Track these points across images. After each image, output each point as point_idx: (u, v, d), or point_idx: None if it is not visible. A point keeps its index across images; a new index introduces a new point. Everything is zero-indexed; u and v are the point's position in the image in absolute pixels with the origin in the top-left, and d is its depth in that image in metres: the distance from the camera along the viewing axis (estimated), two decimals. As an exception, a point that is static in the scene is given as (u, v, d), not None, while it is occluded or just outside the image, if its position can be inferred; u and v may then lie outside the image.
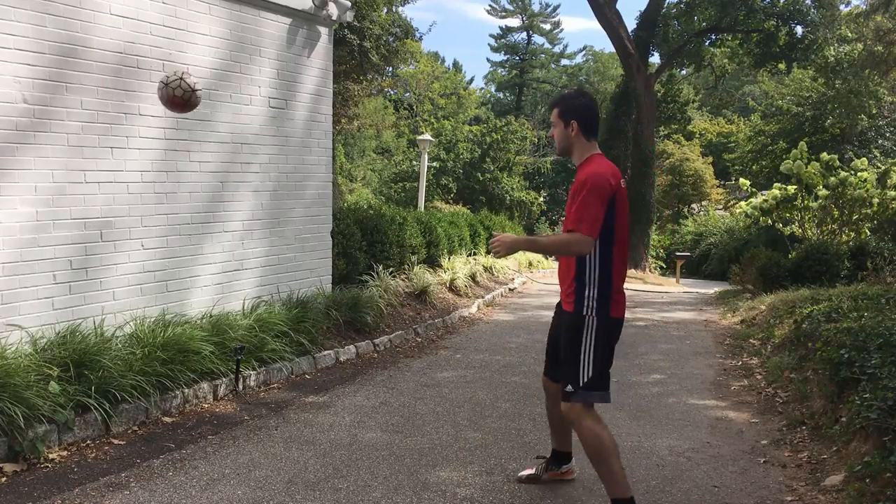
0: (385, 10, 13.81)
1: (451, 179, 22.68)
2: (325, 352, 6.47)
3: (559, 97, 3.55)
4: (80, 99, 5.07)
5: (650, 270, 20.35)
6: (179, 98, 4.92)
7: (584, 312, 3.29)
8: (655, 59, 22.06)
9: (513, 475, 3.92)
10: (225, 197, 6.31)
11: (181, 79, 4.88)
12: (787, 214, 13.58)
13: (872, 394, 3.86)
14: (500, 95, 51.74)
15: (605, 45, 62.96)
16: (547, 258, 14.71)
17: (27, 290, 4.80)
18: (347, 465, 4.02)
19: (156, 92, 5.14)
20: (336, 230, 7.83)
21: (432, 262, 10.37)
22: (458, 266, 10.66)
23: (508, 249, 3.40)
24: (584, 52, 51.86)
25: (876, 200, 12.21)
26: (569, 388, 3.31)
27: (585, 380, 3.28)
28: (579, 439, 3.35)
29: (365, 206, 10.55)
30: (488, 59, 72.05)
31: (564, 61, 51.57)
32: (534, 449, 4.32)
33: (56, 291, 4.96)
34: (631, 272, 18.21)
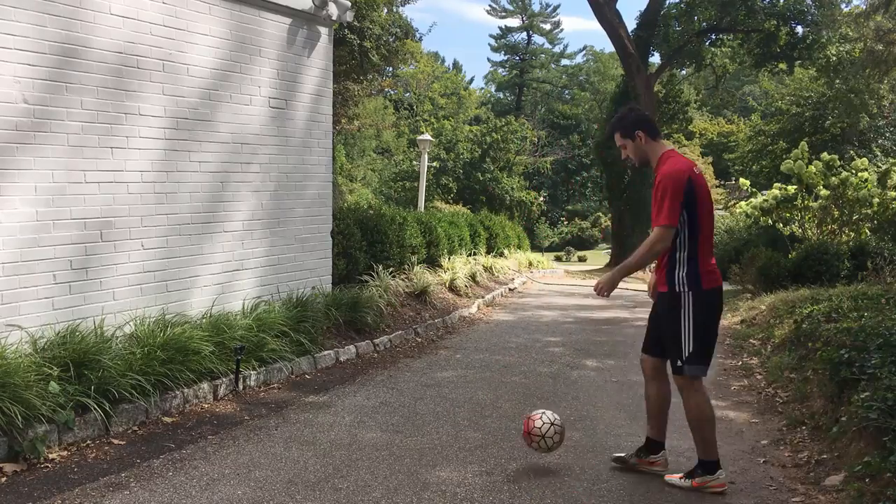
0: (385, 10, 13.81)
1: (451, 179, 22.69)
2: (325, 352, 6.47)
3: (613, 122, 3.93)
4: (81, 99, 5.07)
5: (650, 270, 20.32)
6: None
7: (678, 289, 3.63)
8: (656, 59, 22.05)
9: (513, 475, 3.92)
10: (225, 197, 6.31)
11: None
12: (788, 214, 13.57)
13: (872, 394, 3.86)
14: (500, 95, 51.74)
15: (605, 45, 62.96)
16: (547, 260, 14.70)
17: (27, 290, 4.80)
18: (347, 465, 4.02)
19: (157, 92, 5.14)
20: (336, 230, 7.83)
21: (432, 262, 10.37)
22: (458, 266, 10.65)
23: (611, 287, 3.76)
24: (584, 52, 51.90)
25: (876, 200, 12.21)
26: (678, 363, 3.63)
27: (688, 354, 3.60)
28: (685, 408, 3.71)
29: (365, 206, 10.56)
30: (488, 59, 72.14)
31: (564, 61, 51.59)
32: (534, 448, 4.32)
33: (56, 291, 4.96)
34: (631, 272, 18.19)
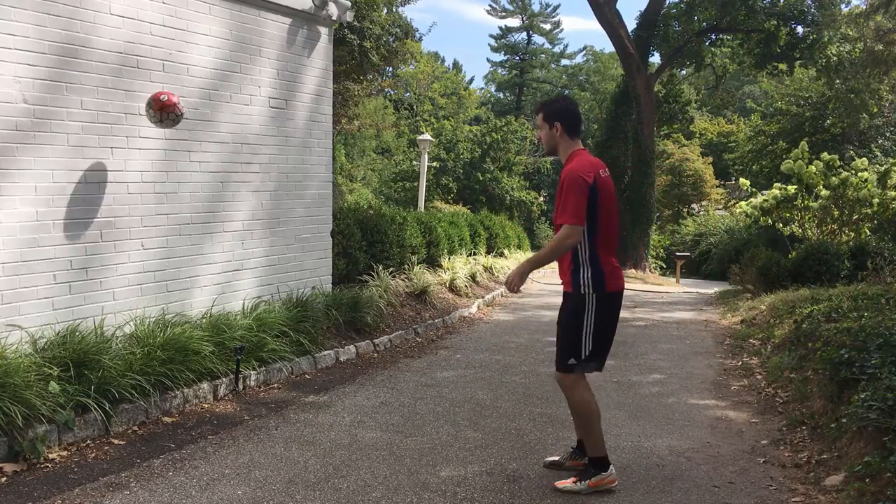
0: (385, 10, 13.81)
1: (451, 179, 22.68)
2: (325, 352, 6.47)
3: (543, 102, 3.96)
4: (81, 99, 5.07)
5: (650, 270, 20.35)
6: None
7: (583, 291, 3.64)
8: (656, 59, 22.05)
9: (513, 475, 3.93)
10: (225, 197, 6.31)
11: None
12: (788, 214, 13.57)
13: (872, 394, 3.86)
14: (500, 95, 51.71)
15: (605, 45, 63.00)
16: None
17: (27, 290, 4.80)
18: (347, 465, 4.02)
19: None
20: (336, 230, 7.83)
21: (432, 262, 10.37)
22: (458, 266, 10.66)
23: (521, 279, 3.71)
24: (584, 52, 51.85)
25: (876, 200, 12.21)
26: (571, 360, 3.67)
27: (586, 353, 3.65)
28: (570, 405, 3.78)
29: (365, 206, 10.56)
30: (488, 59, 72.15)
31: (564, 61, 51.55)
32: (534, 449, 4.33)
33: (56, 291, 4.96)
34: (631, 272, 18.21)
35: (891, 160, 14.18)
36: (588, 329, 3.64)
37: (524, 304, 10.66)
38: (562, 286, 3.84)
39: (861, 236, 12.18)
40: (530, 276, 4.33)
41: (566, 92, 49.59)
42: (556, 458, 4.04)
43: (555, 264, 3.89)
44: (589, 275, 3.63)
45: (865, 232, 12.46)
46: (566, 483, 3.71)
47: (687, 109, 24.36)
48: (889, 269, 9.43)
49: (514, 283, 3.71)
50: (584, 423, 3.74)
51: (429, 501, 3.57)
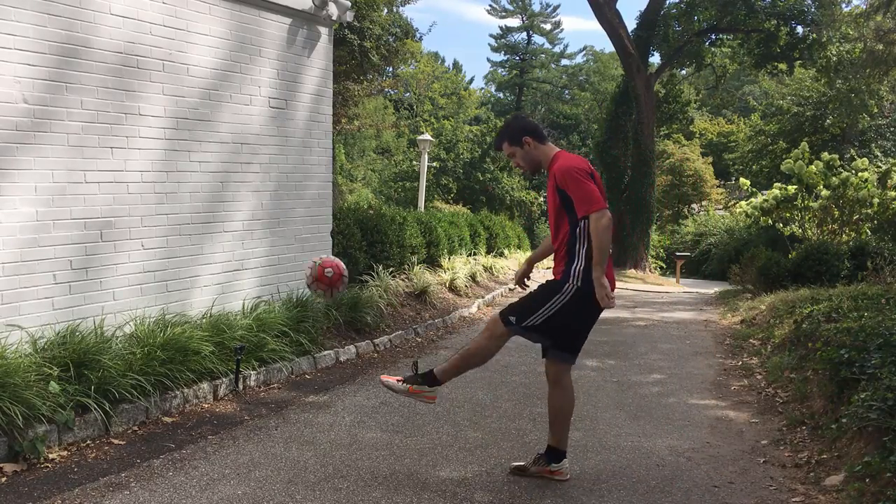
0: (385, 10, 13.81)
1: (451, 179, 22.70)
2: (326, 352, 6.47)
3: (498, 135, 3.96)
4: (81, 99, 5.07)
5: (650, 270, 20.34)
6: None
7: (571, 282, 3.62)
8: (656, 59, 22.04)
9: (513, 475, 3.92)
10: (225, 197, 6.31)
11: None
12: (788, 214, 13.58)
13: (872, 394, 3.86)
14: (501, 95, 51.69)
15: (605, 45, 62.94)
16: (547, 260, 14.67)
17: (27, 290, 4.80)
18: (347, 465, 4.02)
19: (157, 92, 5.12)
20: (336, 230, 7.83)
21: (432, 262, 10.37)
22: (458, 266, 10.66)
23: (606, 288, 3.55)
24: (584, 52, 51.80)
25: (876, 200, 12.21)
26: (511, 319, 3.69)
27: (529, 323, 3.66)
28: (475, 346, 3.82)
29: (365, 206, 10.56)
30: (488, 59, 72.05)
31: (564, 61, 51.52)
32: (534, 449, 4.32)
33: (56, 291, 4.96)
34: (631, 272, 18.21)
35: (891, 160, 14.19)
36: (551, 310, 3.62)
37: (524, 304, 10.65)
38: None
39: (861, 236, 12.18)
40: (531, 273, 4.32)
41: (566, 92, 49.61)
42: (522, 464, 3.96)
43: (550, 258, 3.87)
44: (581, 267, 3.61)
45: (865, 232, 12.47)
46: (390, 379, 3.90)
47: (687, 109, 24.35)
48: (889, 269, 9.43)
49: (610, 297, 3.57)
50: (464, 364, 3.83)
51: (429, 501, 3.57)
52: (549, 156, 3.81)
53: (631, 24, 20.85)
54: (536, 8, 49.21)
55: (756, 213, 14.02)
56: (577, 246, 3.64)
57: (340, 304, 7.15)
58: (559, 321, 3.66)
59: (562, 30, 52.25)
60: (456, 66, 49.42)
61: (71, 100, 5.01)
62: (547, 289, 3.72)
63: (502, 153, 4.01)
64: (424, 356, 6.96)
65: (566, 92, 49.85)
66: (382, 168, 31.58)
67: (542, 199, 25.75)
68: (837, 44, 19.13)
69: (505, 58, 50.67)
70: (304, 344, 6.17)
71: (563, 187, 3.62)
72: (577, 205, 3.58)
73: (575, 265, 3.63)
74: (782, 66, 20.36)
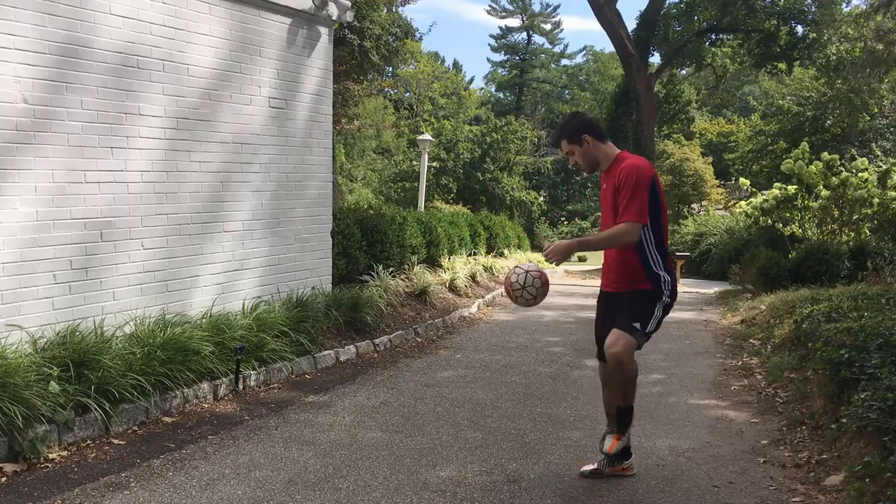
0: (385, 10, 13.81)
1: (451, 179, 22.70)
2: (326, 352, 6.47)
3: (557, 131, 3.88)
4: (81, 99, 5.07)
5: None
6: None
7: (663, 289, 3.65)
8: (656, 59, 22.07)
9: (513, 475, 3.92)
10: (225, 197, 6.31)
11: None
12: (788, 214, 13.58)
13: (872, 394, 3.86)
14: (501, 95, 51.71)
15: (605, 45, 62.90)
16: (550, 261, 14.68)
17: (27, 290, 4.80)
18: (347, 465, 4.02)
19: (157, 92, 5.11)
20: (336, 230, 7.83)
21: (432, 262, 10.36)
22: (459, 266, 10.65)
23: (563, 255, 3.61)
24: (584, 52, 51.89)
25: (876, 200, 12.21)
26: (637, 325, 3.62)
27: (649, 329, 3.67)
28: (621, 366, 3.61)
29: (365, 206, 10.54)
30: (488, 59, 72.06)
31: (564, 61, 51.58)
32: (534, 449, 4.33)
33: (56, 291, 4.96)
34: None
35: (891, 160, 14.19)
36: (657, 315, 3.66)
37: (524, 304, 10.64)
38: (602, 287, 3.86)
39: (861, 236, 12.19)
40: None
41: (566, 92, 49.62)
42: (595, 466, 3.93)
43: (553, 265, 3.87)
44: (664, 276, 3.64)
45: (865, 232, 12.46)
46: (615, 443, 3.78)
47: (687, 109, 24.39)
48: (889, 269, 9.43)
49: (556, 254, 3.58)
50: (626, 383, 3.70)
51: (429, 501, 3.57)
52: (609, 155, 3.72)
53: (631, 24, 20.90)
54: (536, 8, 49.28)
55: (756, 213, 14.02)
56: (650, 254, 3.63)
57: (340, 303, 7.15)
58: (660, 322, 3.76)
59: (562, 30, 52.32)
60: (456, 66, 49.44)
61: (71, 100, 5.01)
62: (645, 300, 3.68)
63: (560, 150, 3.93)
64: (424, 356, 6.96)
65: (566, 92, 49.89)
66: (382, 168, 31.56)
67: (542, 199, 25.75)
68: (837, 44, 19.15)
69: (505, 58, 50.71)
70: (304, 344, 6.17)
71: (621, 184, 3.55)
72: (621, 205, 3.54)
73: (661, 273, 3.64)
74: (782, 66, 20.39)
